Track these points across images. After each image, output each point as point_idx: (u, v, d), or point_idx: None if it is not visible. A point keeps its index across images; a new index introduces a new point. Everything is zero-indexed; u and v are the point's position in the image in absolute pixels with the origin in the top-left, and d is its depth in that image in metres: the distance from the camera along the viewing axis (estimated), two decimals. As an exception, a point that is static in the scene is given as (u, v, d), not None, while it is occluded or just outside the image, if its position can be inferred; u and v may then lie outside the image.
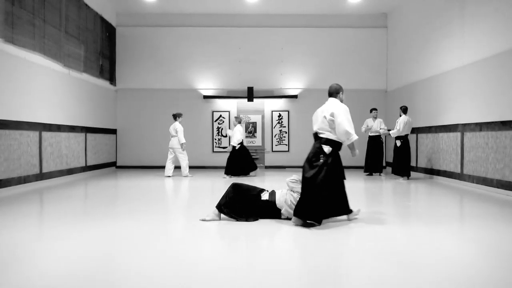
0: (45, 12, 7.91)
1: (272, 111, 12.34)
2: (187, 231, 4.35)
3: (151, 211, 5.29)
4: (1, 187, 6.53)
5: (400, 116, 8.96)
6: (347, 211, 4.53)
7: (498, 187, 6.77)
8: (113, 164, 11.83)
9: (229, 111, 12.23)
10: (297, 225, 4.28)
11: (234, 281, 2.70)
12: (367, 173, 10.23)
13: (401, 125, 8.81)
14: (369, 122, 10.23)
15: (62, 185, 7.94)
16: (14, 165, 6.88)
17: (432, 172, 9.19)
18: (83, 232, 4.07)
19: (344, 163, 4.57)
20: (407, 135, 9.01)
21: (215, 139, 12.23)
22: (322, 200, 4.18)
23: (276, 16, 12.13)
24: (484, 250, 3.55)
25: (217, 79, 12.23)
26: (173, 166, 9.83)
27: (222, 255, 3.46)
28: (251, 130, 12.32)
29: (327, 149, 4.30)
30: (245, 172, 9.77)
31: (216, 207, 4.57)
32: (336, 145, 4.36)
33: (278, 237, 4.05)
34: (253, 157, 10.61)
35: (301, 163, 4.65)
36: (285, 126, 12.32)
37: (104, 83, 11.22)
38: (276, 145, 12.31)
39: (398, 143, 9.03)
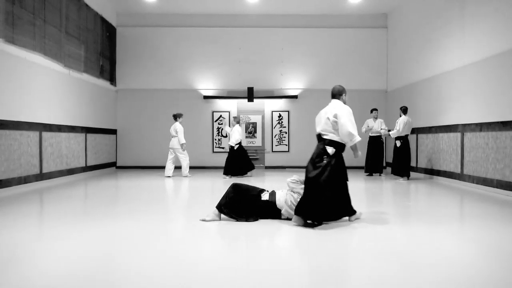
0: (45, 12, 7.91)
1: (272, 111, 12.34)
2: (187, 231, 4.36)
3: (151, 211, 5.29)
4: (1, 187, 6.53)
5: (400, 116, 8.96)
6: (350, 212, 4.53)
7: (498, 188, 6.77)
8: (113, 164, 11.84)
9: (229, 111, 12.23)
10: (297, 225, 4.29)
11: (234, 281, 2.70)
12: (367, 174, 10.23)
13: (400, 125, 8.81)
14: (370, 122, 10.23)
15: (62, 185, 7.95)
16: (14, 165, 6.89)
17: (432, 172, 9.19)
18: (83, 232, 4.07)
19: (345, 164, 4.57)
20: (407, 135, 9.01)
21: (215, 139, 12.23)
22: (325, 200, 4.19)
23: (276, 16, 12.14)
24: (484, 250, 3.55)
25: (217, 79, 12.23)
26: (173, 166, 9.83)
27: (222, 255, 3.46)
28: (251, 130, 12.32)
29: (330, 150, 4.32)
30: (243, 172, 9.79)
31: (216, 207, 4.57)
32: (339, 146, 4.38)
33: (278, 237, 4.05)
34: (253, 157, 10.61)
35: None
36: (285, 127, 12.32)
37: (104, 83, 11.22)
38: (276, 146, 12.31)
39: (398, 143, 9.03)
